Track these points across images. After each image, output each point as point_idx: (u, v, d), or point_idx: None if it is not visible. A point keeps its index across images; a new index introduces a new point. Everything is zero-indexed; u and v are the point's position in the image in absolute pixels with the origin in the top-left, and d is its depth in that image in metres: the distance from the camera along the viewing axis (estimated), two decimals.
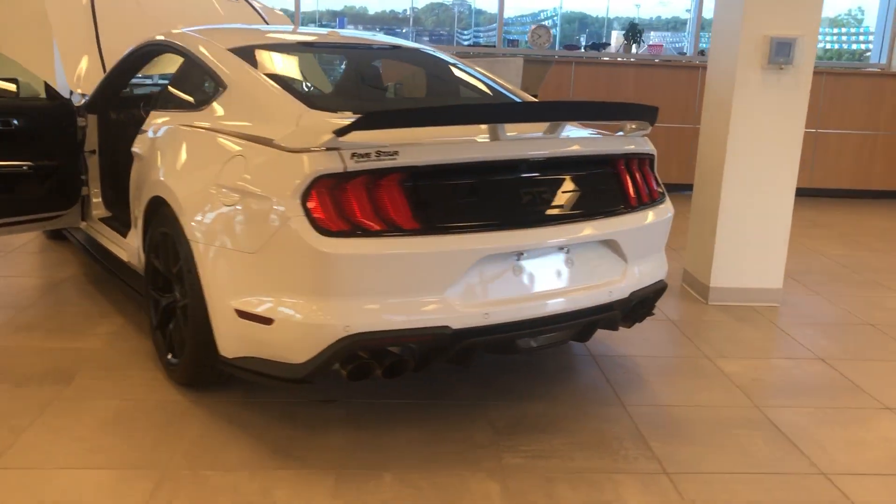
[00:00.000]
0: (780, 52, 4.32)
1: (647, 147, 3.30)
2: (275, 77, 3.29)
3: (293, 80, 3.63)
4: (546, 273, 2.90)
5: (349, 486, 2.59)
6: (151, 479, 2.57)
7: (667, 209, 3.34)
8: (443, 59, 4.05)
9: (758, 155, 4.46)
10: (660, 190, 3.37)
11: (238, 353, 2.82)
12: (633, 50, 9.26)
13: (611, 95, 8.05)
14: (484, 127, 2.86)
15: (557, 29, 12.82)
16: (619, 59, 8.22)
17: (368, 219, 2.59)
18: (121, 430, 2.88)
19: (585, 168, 3.08)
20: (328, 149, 2.57)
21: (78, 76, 4.76)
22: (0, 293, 4.35)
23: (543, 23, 8.49)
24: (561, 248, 2.94)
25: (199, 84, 3.56)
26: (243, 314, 2.74)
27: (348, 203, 2.58)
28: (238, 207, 2.76)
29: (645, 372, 3.61)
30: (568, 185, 2.99)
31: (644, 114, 3.16)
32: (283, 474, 2.64)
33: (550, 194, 2.92)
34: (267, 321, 2.67)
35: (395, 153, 2.60)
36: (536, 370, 3.56)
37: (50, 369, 3.36)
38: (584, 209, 3.01)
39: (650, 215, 3.22)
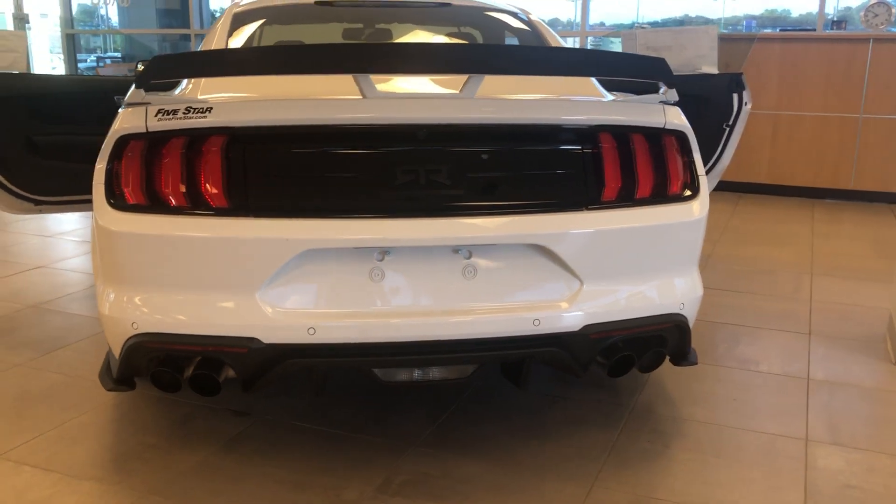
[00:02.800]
0: None
1: (658, 119, 2.24)
2: (238, 38, 2.90)
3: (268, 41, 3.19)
4: (427, 282, 2.10)
5: None
6: None
7: (686, 211, 2.25)
8: (503, 20, 3.28)
9: None
10: (686, 182, 2.29)
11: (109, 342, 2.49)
12: None
13: None
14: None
15: None
16: None
17: (169, 192, 2.07)
18: (21, 404, 2.74)
19: (519, 142, 2.17)
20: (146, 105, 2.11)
21: None
22: None
23: None
24: (456, 251, 2.11)
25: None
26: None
27: (149, 170, 2.09)
28: None
29: (683, 444, 2.51)
30: (480, 164, 2.14)
31: (649, 69, 2.16)
32: (71, 485, 2.24)
33: (447, 176, 2.10)
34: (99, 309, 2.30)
35: (208, 110, 2.05)
36: (528, 415, 2.67)
37: (54, 336, 3.36)
38: (503, 199, 2.13)
39: (641, 217, 2.19)
